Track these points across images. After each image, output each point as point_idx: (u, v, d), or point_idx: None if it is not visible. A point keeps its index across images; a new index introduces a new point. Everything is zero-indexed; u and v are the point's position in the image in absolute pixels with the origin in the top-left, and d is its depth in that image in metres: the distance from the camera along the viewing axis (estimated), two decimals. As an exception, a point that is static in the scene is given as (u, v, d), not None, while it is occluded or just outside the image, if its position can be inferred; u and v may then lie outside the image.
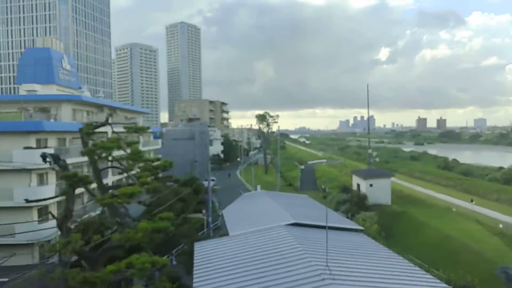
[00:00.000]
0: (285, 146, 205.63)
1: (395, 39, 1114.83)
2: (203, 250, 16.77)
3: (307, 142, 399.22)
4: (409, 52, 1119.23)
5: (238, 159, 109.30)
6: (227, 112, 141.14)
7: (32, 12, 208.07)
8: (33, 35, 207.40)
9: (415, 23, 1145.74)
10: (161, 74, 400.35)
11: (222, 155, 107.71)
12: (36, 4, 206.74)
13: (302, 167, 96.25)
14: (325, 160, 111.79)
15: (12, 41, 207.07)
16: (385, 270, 13.95)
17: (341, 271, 12.83)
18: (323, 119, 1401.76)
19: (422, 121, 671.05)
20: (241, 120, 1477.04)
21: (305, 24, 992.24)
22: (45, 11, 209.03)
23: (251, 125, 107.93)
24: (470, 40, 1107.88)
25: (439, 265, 29.15)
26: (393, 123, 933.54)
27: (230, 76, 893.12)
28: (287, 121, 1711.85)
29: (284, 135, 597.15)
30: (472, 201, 60.18)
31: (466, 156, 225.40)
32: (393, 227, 38.00)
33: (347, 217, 36.00)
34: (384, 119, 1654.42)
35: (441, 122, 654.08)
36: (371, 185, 43.00)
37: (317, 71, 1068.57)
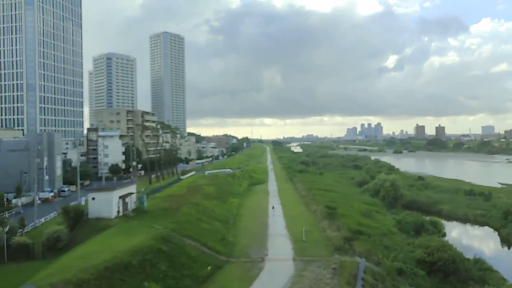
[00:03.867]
0: (233, 154, 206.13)
1: (402, 46, 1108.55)
2: None
3: (300, 150, 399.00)
4: (417, 59, 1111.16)
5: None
6: (153, 122, 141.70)
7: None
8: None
9: (421, 30, 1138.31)
10: (146, 83, 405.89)
11: (123, 165, 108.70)
12: (2, 16, 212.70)
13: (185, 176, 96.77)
14: (230, 170, 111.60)
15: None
16: None
17: None
18: (331, 127, 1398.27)
19: (420, 129, 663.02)
20: (245, 128, 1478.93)
21: (312, 32, 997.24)
22: (11, 22, 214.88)
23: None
24: (479, 47, 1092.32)
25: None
26: (401, 130, 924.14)
27: (237, 84, 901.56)
28: (294, 128, 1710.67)
29: (277, 142, 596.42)
30: (273, 208, 62.18)
31: (427, 164, 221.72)
32: (82, 241, 38.28)
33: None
34: (394, 127, 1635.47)
35: (439, 129, 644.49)
36: (93, 199, 43.09)
37: (325, 79, 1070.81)
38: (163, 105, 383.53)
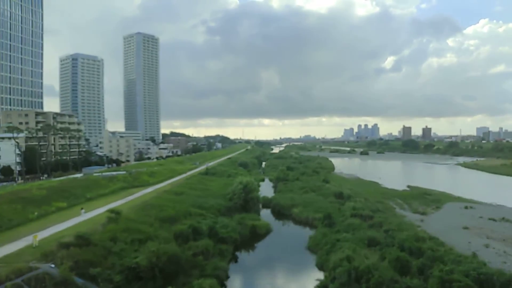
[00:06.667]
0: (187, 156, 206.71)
1: (400, 47, 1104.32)
2: None
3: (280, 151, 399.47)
4: (415, 60, 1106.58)
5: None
6: (68, 124, 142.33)
7: None
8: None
9: (419, 31, 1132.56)
10: (120, 84, 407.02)
11: (18, 167, 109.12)
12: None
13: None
14: (123, 172, 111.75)
15: None
16: None
17: None
18: (329, 127, 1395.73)
19: (407, 130, 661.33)
20: (244, 128, 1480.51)
21: (309, 33, 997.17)
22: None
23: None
24: (477, 48, 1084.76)
25: None
26: (399, 132, 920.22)
27: (235, 84, 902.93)
28: (293, 129, 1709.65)
29: (261, 142, 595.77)
30: (82, 209, 61.73)
31: (372, 166, 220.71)
32: None
33: None
34: (391, 128, 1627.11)
35: (426, 131, 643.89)
36: None
37: (323, 80, 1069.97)
38: (135, 105, 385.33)
